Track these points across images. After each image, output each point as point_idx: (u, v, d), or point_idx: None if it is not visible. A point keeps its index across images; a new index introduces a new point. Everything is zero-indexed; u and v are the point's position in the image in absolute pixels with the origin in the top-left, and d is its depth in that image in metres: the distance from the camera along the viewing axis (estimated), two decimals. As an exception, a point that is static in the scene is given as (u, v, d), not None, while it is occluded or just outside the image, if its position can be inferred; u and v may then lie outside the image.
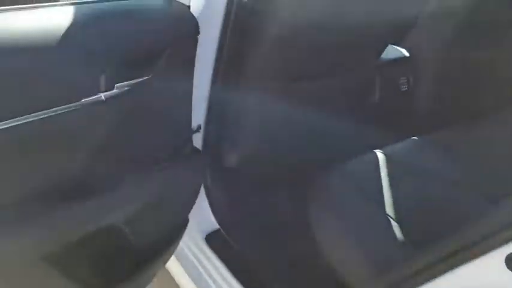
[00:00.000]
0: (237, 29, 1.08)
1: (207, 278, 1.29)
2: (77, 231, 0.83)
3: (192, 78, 1.04)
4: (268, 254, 1.28)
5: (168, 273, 1.48)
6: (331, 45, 1.25)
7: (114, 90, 0.83)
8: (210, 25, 1.04)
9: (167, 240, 1.14)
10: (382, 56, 1.51)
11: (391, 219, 1.07)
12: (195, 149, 1.11)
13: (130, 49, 0.85)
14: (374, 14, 1.23)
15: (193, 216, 1.29)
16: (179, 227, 1.18)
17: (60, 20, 0.75)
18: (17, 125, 0.69)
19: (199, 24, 0.99)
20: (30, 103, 0.71)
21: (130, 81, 0.87)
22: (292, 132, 1.37)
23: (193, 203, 1.19)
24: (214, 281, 1.26)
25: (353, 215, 1.11)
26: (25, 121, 0.70)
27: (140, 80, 0.88)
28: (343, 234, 1.09)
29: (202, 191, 1.29)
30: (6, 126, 0.68)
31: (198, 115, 1.17)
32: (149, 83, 0.91)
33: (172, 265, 1.41)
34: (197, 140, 1.20)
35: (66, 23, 0.75)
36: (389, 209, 1.10)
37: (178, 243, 1.21)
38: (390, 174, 1.20)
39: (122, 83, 0.84)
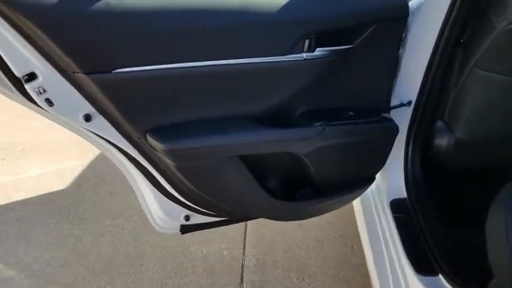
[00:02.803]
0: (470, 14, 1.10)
1: (381, 237, 1.43)
2: (267, 147, 1.16)
3: (395, 56, 1.15)
4: (444, 238, 1.30)
5: (352, 216, 1.69)
6: None
7: (315, 53, 1.07)
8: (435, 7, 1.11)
9: (348, 186, 1.35)
10: None
11: None
12: (388, 118, 1.24)
13: (337, 18, 1.05)
14: None
15: (386, 179, 1.44)
16: (362, 181, 1.36)
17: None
18: (240, 63, 1.04)
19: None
20: (245, 50, 1.03)
21: (331, 48, 1.09)
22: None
23: (380, 164, 1.33)
24: (386, 244, 1.40)
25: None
26: (245, 62, 1.04)
27: (341, 48, 1.09)
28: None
29: (400, 160, 1.41)
30: (234, 63, 1.04)
31: (408, 92, 1.27)
32: (350, 52, 1.10)
33: (358, 216, 1.61)
34: (400, 116, 1.31)
35: None
36: None
37: (359, 193, 1.40)
38: None
39: (323, 48, 1.07)
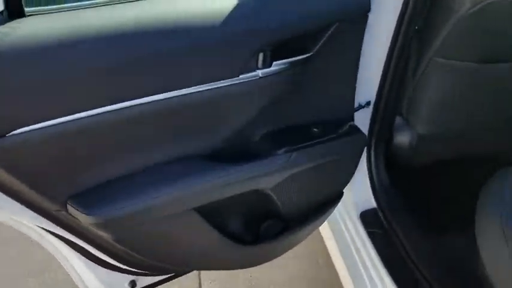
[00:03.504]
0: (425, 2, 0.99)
1: (354, 252, 1.29)
2: (228, 190, 0.94)
3: (357, 56, 1.00)
4: (421, 244, 1.19)
5: (320, 238, 1.54)
6: None
7: (272, 68, 0.88)
8: None
9: (318, 209, 1.18)
10: None
11: None
12: (355, 127, 1.09)
13: (293, 23, 0.86)
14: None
15: (351, 191, 1.30)
16: (332, 199, 1.20)
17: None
18: (184, 94, 0.81)
19: None
20: (190, 77, 0.80)
21: (289, 59, 0.90)
22: (479, 115, 1.20)
23: (349, 178, 1.18)
24: (360, 257, 1.26)
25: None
26: (190, 92, 0.81)
27: (300, 58, 0.90)
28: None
29: (363, 168, 1.28)
30: (176, 95, 0.80)
31: (366, 92, 1.13)
32: (310, 61, 0.92)
33: (324, 232, 1.47)
34: (358, 119, 1.17)
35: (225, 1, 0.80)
36: None
37: (329, 214, 1.24)
38: None
39: (280, 61, 0.88)
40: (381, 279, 1.16)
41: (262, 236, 1.13)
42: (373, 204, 1.29)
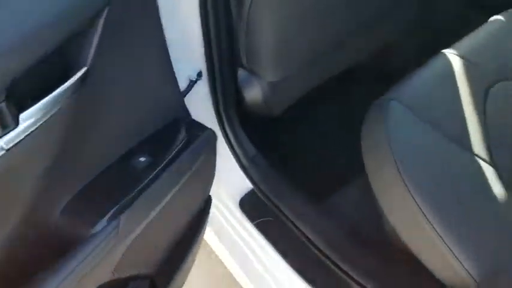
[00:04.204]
0: None
1: (241, 244, 1.07)
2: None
3: (159, 30, 0.65)
4: (310, 216, 0.98)
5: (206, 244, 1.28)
6: None
7: (22, 125, 0.49)
8: None
9: (192, 229, 0.90)
10: None
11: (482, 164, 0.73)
12: (201, 126, 0.78)
13: (31, 44, 0.48)
14: None
15: (224, 182, 1.03)
16: (201, 212, 0.92)
17: None
18: None
19: None
20: None
21: (56, 92, 0.52)
22: (331, 34, 0.97)
23: (211, 180, 0.90)
24: (249, 246, 1.05)
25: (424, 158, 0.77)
26: None
27: (67, 85, 0.53)
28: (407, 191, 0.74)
29: (226, 155, 1.00)
30: None
31: (192, 63, 0.82)
32: (90, 75, 0.55)
33: (209, 236, 1.21)
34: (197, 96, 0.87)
35: None
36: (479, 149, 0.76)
37: (205, 226, 0.97)
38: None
39: (29, 110, 0.50)
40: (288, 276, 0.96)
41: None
42: (248, 185, 1.04)
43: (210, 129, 0.78)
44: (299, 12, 0.86)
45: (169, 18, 0.67)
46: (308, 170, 1.10)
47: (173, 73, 0.73)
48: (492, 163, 0.75)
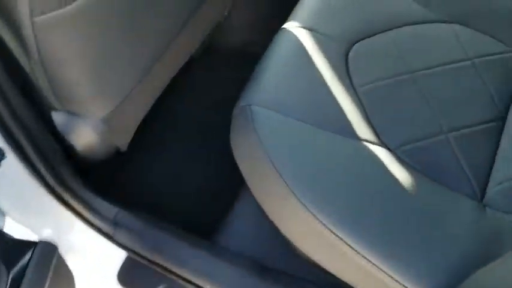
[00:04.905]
0: None
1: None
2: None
3: None
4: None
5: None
6: None
7: None
8: None
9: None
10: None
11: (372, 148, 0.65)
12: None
13: None
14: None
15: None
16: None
17: None
18: None
19: None
20: None
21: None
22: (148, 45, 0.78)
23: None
24: None
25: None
26: None
27: None
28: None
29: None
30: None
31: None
32: None
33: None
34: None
35: None
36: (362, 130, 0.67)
37: None
38: None
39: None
40: None
41: None
42: (120, 254, 0.81)
43: (42, 241, 0.55)
44: (106, 29, 0.65)
45: None
46: (184, 203, 0.92)
47: None
48: (382, 143, 0.65)
